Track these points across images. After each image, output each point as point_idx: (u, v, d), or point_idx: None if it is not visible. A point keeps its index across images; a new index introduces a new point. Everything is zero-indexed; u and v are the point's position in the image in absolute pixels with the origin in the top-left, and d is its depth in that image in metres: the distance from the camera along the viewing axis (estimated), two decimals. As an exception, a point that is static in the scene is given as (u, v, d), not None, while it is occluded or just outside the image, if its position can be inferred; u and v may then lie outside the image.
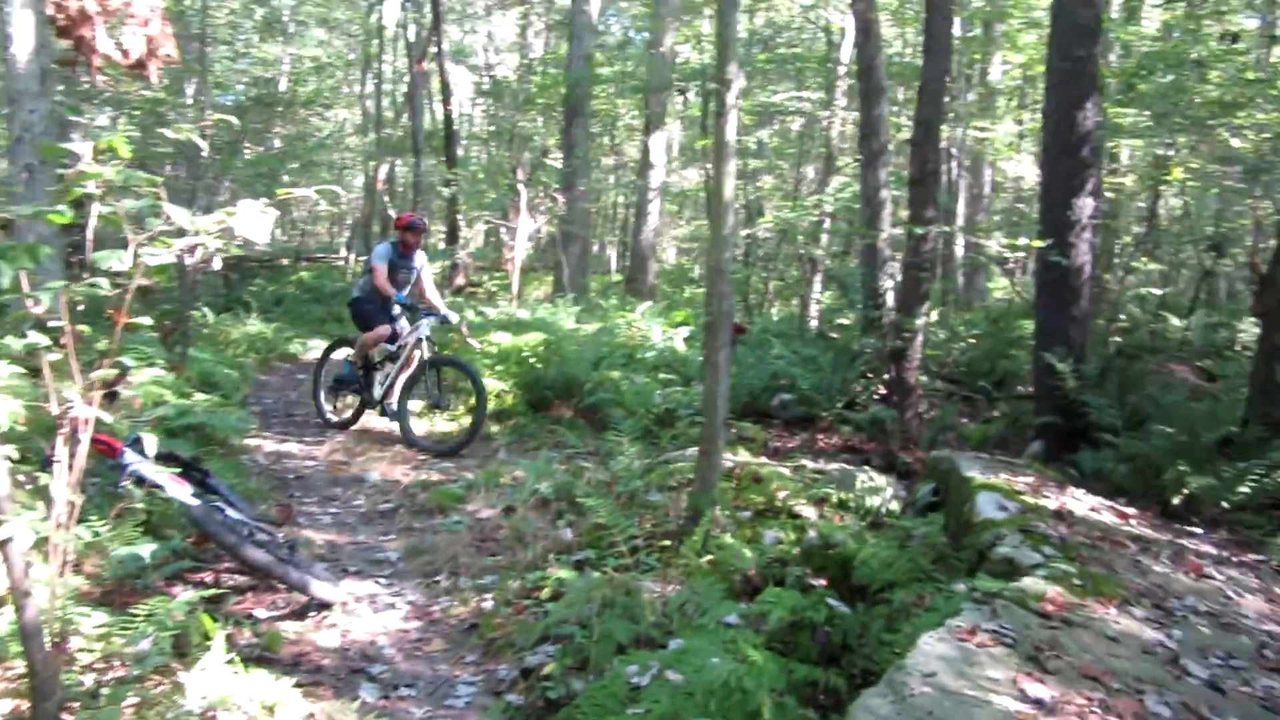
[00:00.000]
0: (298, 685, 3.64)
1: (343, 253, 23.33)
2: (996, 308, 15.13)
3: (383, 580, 5.16)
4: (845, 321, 12.91)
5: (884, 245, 9.69)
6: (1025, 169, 18.40)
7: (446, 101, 19.30)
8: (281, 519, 5.72)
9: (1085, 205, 7.59)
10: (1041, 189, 7.94)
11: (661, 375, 8.97)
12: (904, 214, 8.55)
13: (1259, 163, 9.54)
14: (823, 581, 4.64)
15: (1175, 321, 14.46)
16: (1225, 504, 5.72)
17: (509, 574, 5.06)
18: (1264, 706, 2.85)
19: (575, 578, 4.65)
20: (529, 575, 4.97)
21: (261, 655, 4.03)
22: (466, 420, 8.17)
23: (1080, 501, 5.50)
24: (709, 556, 4.83)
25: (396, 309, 8.14)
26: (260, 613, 4.52)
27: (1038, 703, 2.49)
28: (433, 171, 21.01)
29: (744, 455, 6.59)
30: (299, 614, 4.54)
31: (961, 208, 17.30)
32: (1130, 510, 5.61)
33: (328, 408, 8.73)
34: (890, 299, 9.25)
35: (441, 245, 20.23)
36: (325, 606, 4.57)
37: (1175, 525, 5.59)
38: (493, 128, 24.67)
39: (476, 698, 3.98)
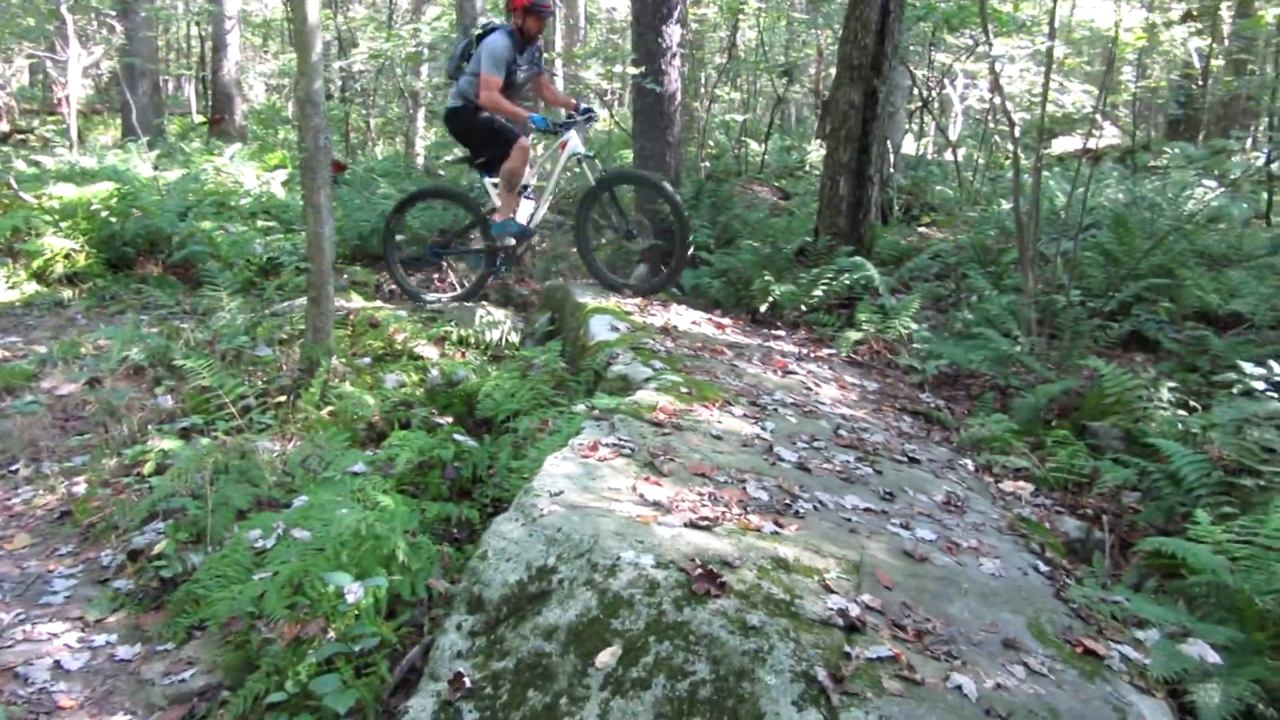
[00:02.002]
0: None
1: None
2: (597, 139, 15.52)
3: (-61, 481, 4.44)
4: (450, 158, 12.66)
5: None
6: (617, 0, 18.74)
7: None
8: None
9: (673, 32, 7.84)
10: (632, 17, 8.08)
11: (260, 223, 8.31)
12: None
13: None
14: (448, 419, 4.64)
15: (754, 146, 15.70)
16: (803, 307, 6.40)
17: (102, 452, 4.56)
18: (841, 478, 3.26)
19: (181, 447, 4.26)
20: (127, 451, 4.50)
21: None
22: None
23: (683, 316, 5.90)
24: (329, 408, 4.63)
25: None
26: None
27: (655, 504, 2.66)
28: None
29: (358, 300, 6.33)
30: None
31: (559, 40, 17.31)
32: (726, 320, 6.11)
33: (411, 283, 6.89)
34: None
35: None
36: None
37: (763, 330, 6.19)
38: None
39: (77, 590, 3.60)
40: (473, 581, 2.38)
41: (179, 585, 3.45)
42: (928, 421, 4.90)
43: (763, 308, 6.45)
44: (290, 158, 11.37)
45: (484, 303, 6.74)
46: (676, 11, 7.88)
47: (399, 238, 6.95)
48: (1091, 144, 20.18)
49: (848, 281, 6.34)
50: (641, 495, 2.71)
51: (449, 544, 3.47)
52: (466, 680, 2.20)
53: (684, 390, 3.89)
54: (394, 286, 7.13)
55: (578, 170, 6.31)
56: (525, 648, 2.21)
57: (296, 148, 12.35)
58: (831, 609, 2.23)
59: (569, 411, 3.78)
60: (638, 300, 6.11)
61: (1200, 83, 16.73)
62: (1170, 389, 5.06)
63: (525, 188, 6.30)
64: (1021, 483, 4.07)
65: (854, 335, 5.83)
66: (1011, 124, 6.83)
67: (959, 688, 2.05)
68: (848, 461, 3.45)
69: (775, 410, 3.97)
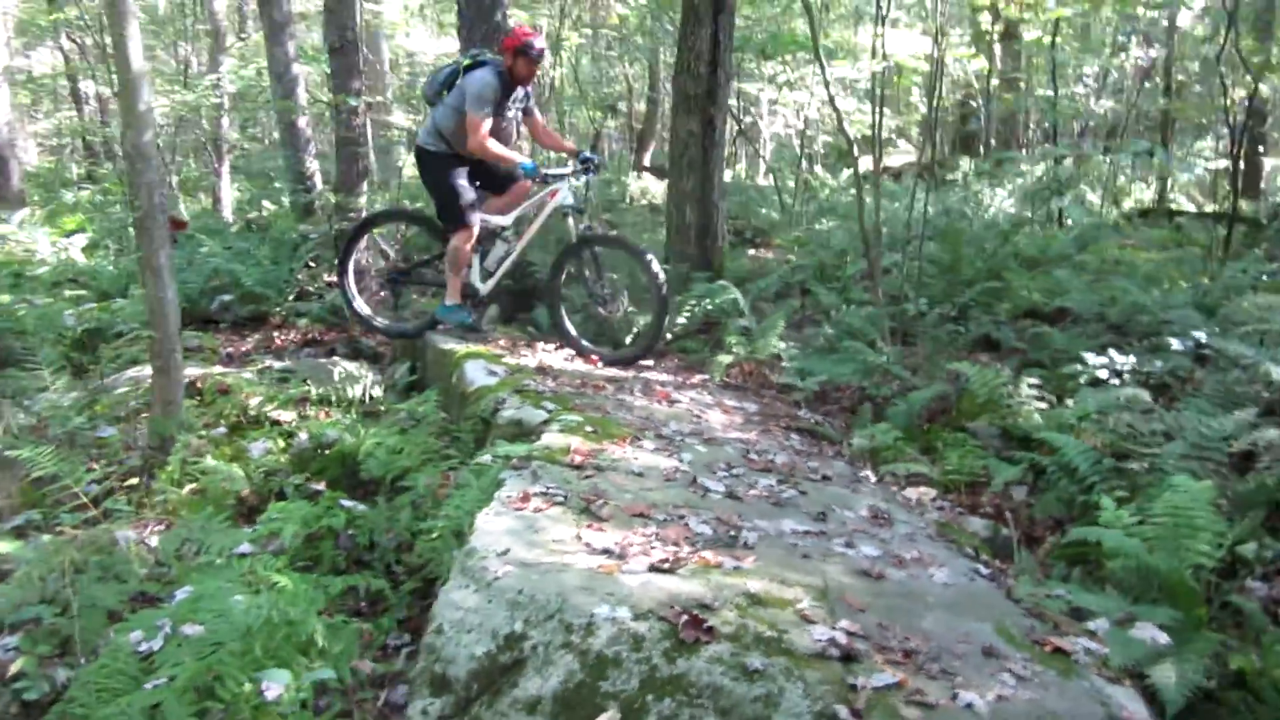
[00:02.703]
0: None
1: None
2: (417, 184, 15.18)
3: None
4: (263, 211, 12.08)
5: (304, 124, 9.11)
6: (421, 44, 18.49)
7: None
8: None
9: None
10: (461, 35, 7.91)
11: (67, 292, 7.60)
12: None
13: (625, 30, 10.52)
14: (323, 485, 4.33)
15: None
16: (668, 335, 6.37)
17: (-80, 566, 3.98)
18: (771, 503, 3.21)
19: (21, 548, 3.77)
20: (-49, 562, 3.94)
21: None
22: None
23: (553, 354, 5.75)
24: (191, 485, 4.23)
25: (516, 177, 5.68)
26: None
27: (608, 552, 2.51)
28: None
29: (196, 368, 5.85)
30: None
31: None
32: (595, 355, 6.00)
33: (368, 311, 6.38)
34: (319, 180, 8.77)
35: None
36: None
37: (633, 363, 6.11)
38: None
39: (-89, 734, 3.09)
40: (432, 660, 2.17)
41: (47, 707, 3.02)
42: (814, 438, 4.93)
43: (628, 339, 6.39)
44: (87, 220, 10.51)
45: (334, 358, 6.38)
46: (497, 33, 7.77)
47: (355, 259, 6.45)
48: (890, 161, 21.28)
49: (709, 306, 6.37)
50: (589, 544, 2.55)
51: (360, 618, 3.20)
52: (444, 772, 1.99)
53: (589, 430, 3.75)
54: (230, 349, 6.66)
55: (560, 223, 5.81)
56: (506, 725, 2.01)
57: (93, 213, 11.49)
58: (821, 640, 2.14)
59: (474, 463, 3.56)
60: (502, 342, 5.92)
61: (979, 102, 17.93)
62: (1030, 385, 5.30)
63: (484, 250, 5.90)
64: (923, 488, 4.14)
65: (725, 359, 5.84)
66: (850, 143, 7.07)
67: (969, 705, 2.00)
68: (770, 485, 3.40)
69: (682, 441, 3.89)
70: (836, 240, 10.23)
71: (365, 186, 7.73)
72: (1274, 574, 3.21)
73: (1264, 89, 11.74)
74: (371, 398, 5.51)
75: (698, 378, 5.73)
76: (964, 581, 2.79)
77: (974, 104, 18.20)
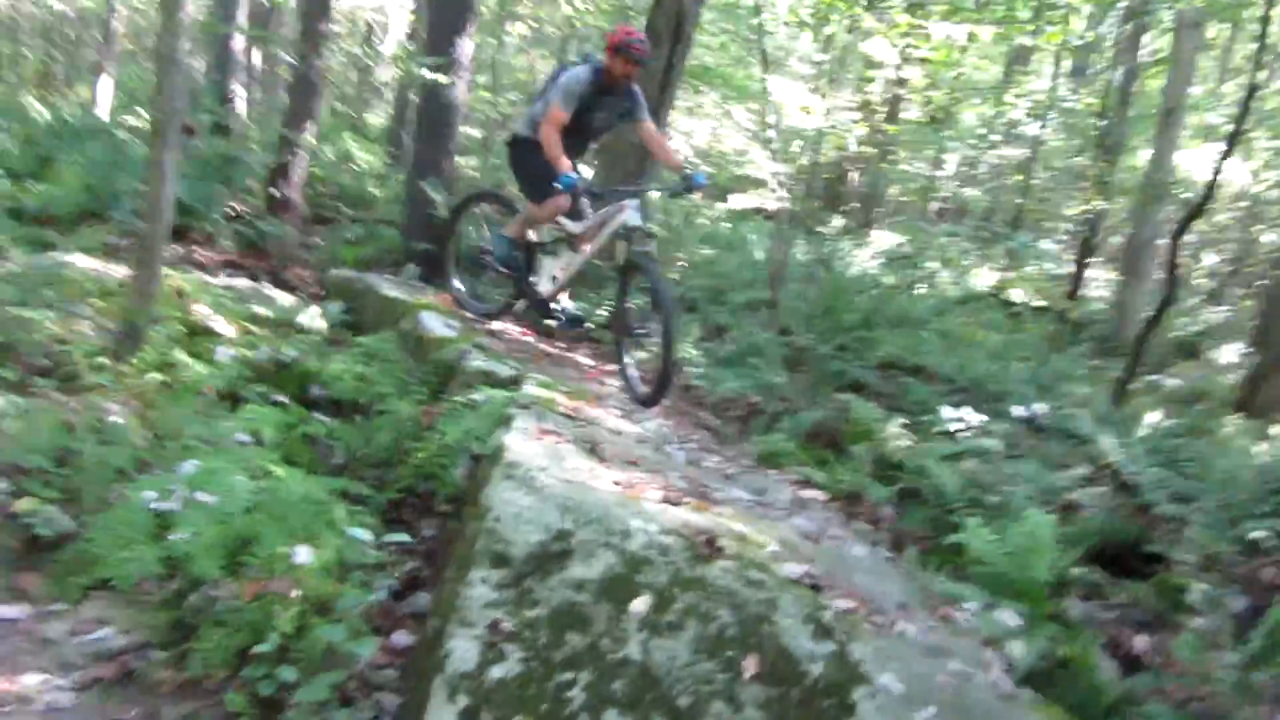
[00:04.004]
0: None
1: None
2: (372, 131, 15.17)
3: None
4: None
5: (238, 49, 9.18)
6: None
7: None
8: None
9: (466, 46, 8.12)
10: (429, 27, 8.24)
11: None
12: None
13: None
14: (284, 398, 4.65)
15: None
16: (589, 325, 6.91)
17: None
18: (723, 475, 3.83)
19: (4, 403, 3.96)
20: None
21: None
22: None
23: (493, 324, 6.20)
24: (161, 377, 4.47)
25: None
26: None
27: (616, 483, 3.07)
28: None
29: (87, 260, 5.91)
30: None
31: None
32: (531, 329, 6.48)
33: (462, 288, 6.33)
34: (241, 106, 8.87)
35: None
36: None
37: (555, 343, 6.63)
38: None
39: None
40: (492, 540, 2.66)
41: (59, 546, 3.30)
42: (716, 436, 5.60)
43: (552, 321, 6.88)
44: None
45: (259, 283, 6.60)
46: (470, 27, 8.16)
47: (456, 239, 6.46)
48: (765, 204, 22.44)
49: (630, 305, 6.94)
50: (602, 476, 3.10)
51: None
52: (505, 625, 2.49)
53: (563, 388, 4.27)
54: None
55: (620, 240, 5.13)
56: (556, 598, 2.54)
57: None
58: (795, 573, 2.77)
59: (464, 399, 4.01)
60: (437, 299, 6.31)
61: (851, 166, 19.24)
62: (900, 424, 6.14)
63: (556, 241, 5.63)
64: (814, 491, 4.85)
65: (642, 355, 6.43)
66: (788, 189, 7.80)
67: (903, 633, 2.68)
68: (717, 460, 4.02)
69: (634, 412, 4.46)
70: (721, 268, 10.94)
71: (311, 126, 7.93)
72: (1090, 595, 4.09)
73: (1103, 205, 13.37)
74: (318, 328, 5.81)
75: (611, 367, 6.30)
76: (874, 559, 3.49)
77: (848, 166, 19.50)
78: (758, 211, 20.34)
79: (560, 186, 4.84)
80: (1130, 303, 12.67)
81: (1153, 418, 6.96)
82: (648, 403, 4.81)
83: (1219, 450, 5.82)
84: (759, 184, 20.89)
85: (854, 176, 19.44)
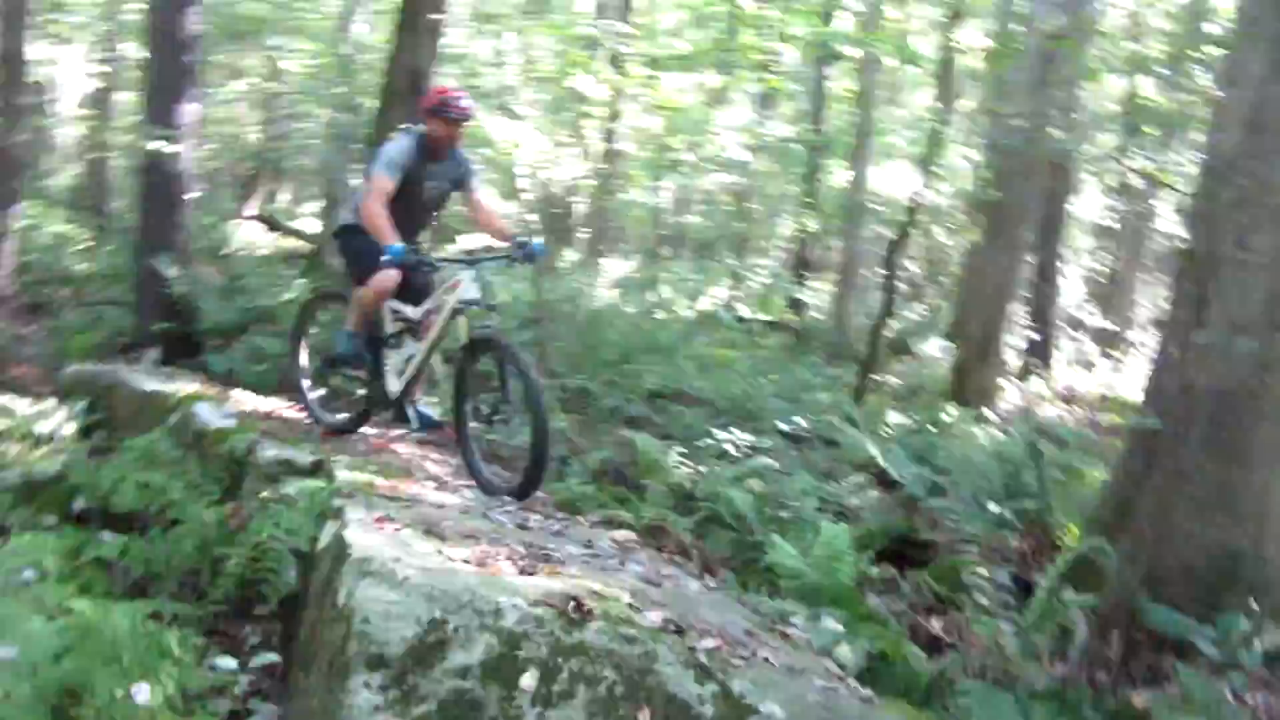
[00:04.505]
0: None
1: None
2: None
3: None
4: None
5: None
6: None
7: None
8: None
9: (191, 110, 7.75)
10: (148, 90, 7.80)
11: None
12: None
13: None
14: (53, 519, 4.29)
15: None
16: (361, 391, 6.77)
17: None
18: (552, 532, 3.92)
19: None
20: None
21: None
22: None
23: (257, 401, 5.96)
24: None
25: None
26: None
27: (467, 562, 3.10)
28: None
29: None
30: None
31: None
32: (299, 406, 6.25)
33: (315, 398, 5.64)
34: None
35: None
36: None
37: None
38: None
39: None
40: (366, 644, 2.62)
41: None
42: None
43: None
44: None
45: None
46: (192, 90, 7.79)
47: (305, 345, 5.79)
48: (492, 241, 22.53)
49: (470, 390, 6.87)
50: (451, 557, 3.13)
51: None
52: (396, 727, 2.48)
53: (373, 468, 4.21)
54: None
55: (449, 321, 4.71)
56: (443, 689, 2.55)
57: None
58: (657, 621, 2.93)
59: (275, 497, 3.85)
60: (191, 387, 5.98)
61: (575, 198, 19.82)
62: (678, 453, 6.48)
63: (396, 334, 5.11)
64: (624, 531, 5.04)
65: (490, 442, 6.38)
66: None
67: (766, 659, 2.90)
68: (538, 519, 4.11)
69: (447, 482, 4.46)
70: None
71: (18, 206, 7.26)
72: (886, 591, 4.54)
73: (813, 225, 14.62)
74: (66, 435, 5.35)
75: (398, 431, 6.22)
76: (708, 592, 3.71)
77: (572, 200, 20.07)
78: (488, 249, 20.40)
79: (388, 258, 4.48)
80: (846, 312, 13.93)
81: (894, 417, 7.75)
82: (519, 495, 4.35)
83: (958, 443, 6.58)
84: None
85: (579, 209, 19.98)
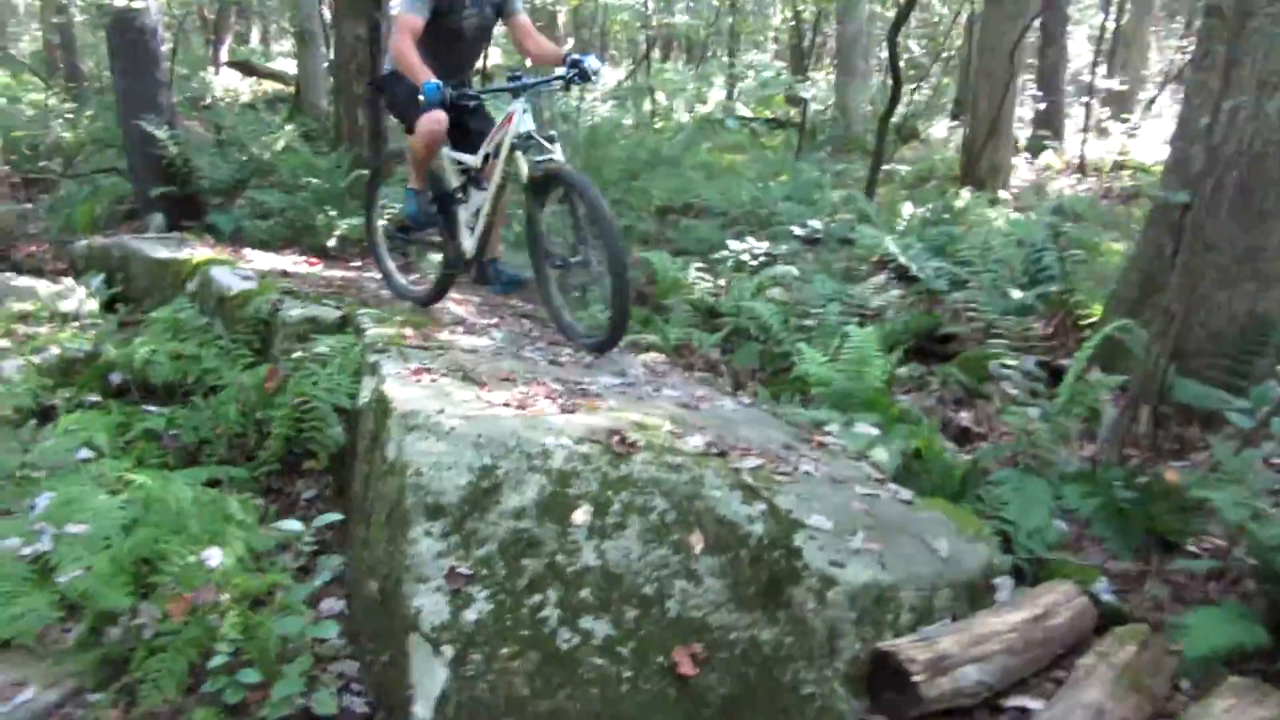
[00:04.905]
0: None
1: None
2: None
3: None
4: None
5: None
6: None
7: None
8: None
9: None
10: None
11: None
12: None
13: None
14: (97, 397, 4.37)
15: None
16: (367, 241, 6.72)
17: None
18: (583, 365, 3.97)
19: None
20: None
21: None
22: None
23: (271, 260, 5.93)
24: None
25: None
26: None
27: (507, 405, 3.15)
28: None
29: None
30: None
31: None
32: (305, 259, 6.23)
33: (394, 267, 5.30)
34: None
35: None
36: None
37: (343, 264, 6.42)
38: None
39: None
40: (421, 495, 2.71)
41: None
42: (535, 321, 5.70)
43: (330, 243, 6.64)
44: None
45: (13, 273, 5.98)
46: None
47: (380, 211, 5.38)
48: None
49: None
50: (492, 401, 3.18)
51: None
52: (461, 570, 2.59)
53: (399, 319, 4.23)
54: None
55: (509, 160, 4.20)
56: (501, 531, 2.65)
57: None
58: (700, 445, 3.00)
59: (313, 352, 3.89)
60: (209, 250, 5.95)
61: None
62: (697, 269, 6.46)
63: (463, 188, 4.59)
64: (653, 353, 5.09)
65: (437, 257, 6.35)
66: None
67: (808, 473, 2.98)
68: (569, 353, 4.15)
69: (475, 324, 4.49)
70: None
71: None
72: (916, 389, 4.61)
73: (808, 14, 14.01)
74: (89, 311, 5.37)
75: (413, 276, 6.21)
76: (744, 409, 3.78)
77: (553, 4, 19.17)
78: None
79: (424, 98, 3.99)
80: (850, 101, 13.51)
81: (908, 208, 7.65)
82: (602, 347, 4.10)
83: (977, 231, 6.51)
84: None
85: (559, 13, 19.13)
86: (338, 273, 5.81)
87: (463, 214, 4.62)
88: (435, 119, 4.21)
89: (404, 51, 4.17)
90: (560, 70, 4.27)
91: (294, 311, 4.48)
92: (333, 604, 3.14)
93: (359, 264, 6.44)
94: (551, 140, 4.12)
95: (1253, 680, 2.40)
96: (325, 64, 12.66)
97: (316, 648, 2.91)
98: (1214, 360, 4.16)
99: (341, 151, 7.60)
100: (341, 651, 2.93)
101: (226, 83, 16.72)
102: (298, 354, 4.03)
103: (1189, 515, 3.25)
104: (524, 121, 4.09)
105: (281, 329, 4.47)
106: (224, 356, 4.34)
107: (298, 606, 2.77)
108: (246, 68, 17.51)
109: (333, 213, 6.59)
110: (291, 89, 13.95)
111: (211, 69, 17.35)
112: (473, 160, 4.47)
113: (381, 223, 5.37)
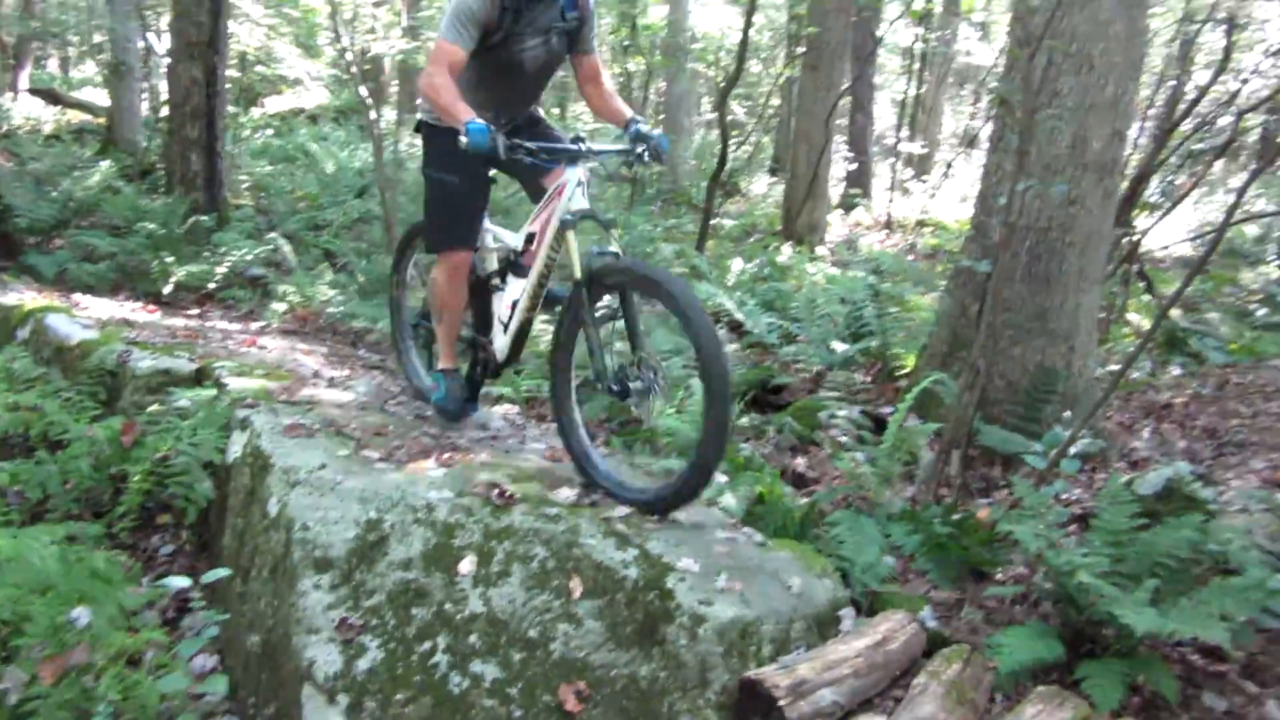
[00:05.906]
0: None
1: None
2: None
3: None
4: None
5: None
6: None
7: None
8: None
9: None
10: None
11: None
12: None
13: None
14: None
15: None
16: (211, 285, 6.60)
17: None
18: (420, 416, 4.09)
19: None
20: None
21: None
22: None
23: (104, 304, 5.76)
24: None
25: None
26: None
27: (385, 460, 3.27)
28: None
29: None
30: None
31: None
32: (149, 306, 6.08)
33: (420, 364, 4.41)
34: None
35: None
36: None
37: (181, 311, 6.29)
38: None
39: None
40: (309, 549, 2.80)
41: None
42: (387, 374, 5.77)
43: (166, 290, 6.48)
44: None
45: None
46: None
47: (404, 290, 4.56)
48: (303, 103, 21.40)
49: (249, 257, 6.70)
50: (369, 457, 3.29)
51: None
52: (352, 620, 2.69)
53: (259, 371, 4.24)
54: None
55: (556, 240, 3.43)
56: (389, 582, 2.77)
57: None
58: (571, 497, 3.21)
59: (174, 407, 3.85)
60: (39, 291, 5.73)
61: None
62: (543, 321, 6.63)
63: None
64: (508, 406, 5.26)
65: (280, 307, 6.32)
66: (370, 105, 7.73)
67: (674, 520, 3.24)
68: (418, 406, 4.28)
69: (334, 378, 4.54)
70: (286, 185, 10.44)
71: None
72: (754, 437, 4.97)
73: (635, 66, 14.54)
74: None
75: (255, 325, 6.16)
76: (601, 459, 4.01)
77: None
78: (297, 114, 19.46)
79: (468, 141, 3.10)
80: (674, 156, 14.11)
81: (737, 264, 8.14)
82: (671, 503, 3.21)
83: (801, 287, 7.02)
84: (295, 83, 19.94)
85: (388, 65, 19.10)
86: (179, 321, 5.70)
87: (496, 305, 3.84)
88: (460, 260, 3.62)
89: (437, 87, 3.29)
90: (624, 141, 3.53)
91: (145, 363, 4.40)
92: (204, 660, 3.15)
93: (197, 311, 6.33)
94: (610, 226, 3.32)
95: (1055, 688, 2.81)
96: (143, 97, 12.22)
97: (195, 705, 2.93)
98: (1011, 408, 4.71)
99: (177, 196, 7.41)
100: (220, 708, 2.96)
101: (27, 110, 15.78)
102: (153, 407, 3.99)
103: (997, 547, 3.70)
104: (577, 198, 3.32)
105: (131, 380, 4.38)
106: (69, 408, 4.21)
107: (177, 664, 2.79)
108: (51, 96, 16.57)
109: (169, 259, 6.43)
110: (100, 121, 13.32)
111: (10, 94, 16.34)
112: (513, 241, 3.75)
113: (410, 303, 4.55)
